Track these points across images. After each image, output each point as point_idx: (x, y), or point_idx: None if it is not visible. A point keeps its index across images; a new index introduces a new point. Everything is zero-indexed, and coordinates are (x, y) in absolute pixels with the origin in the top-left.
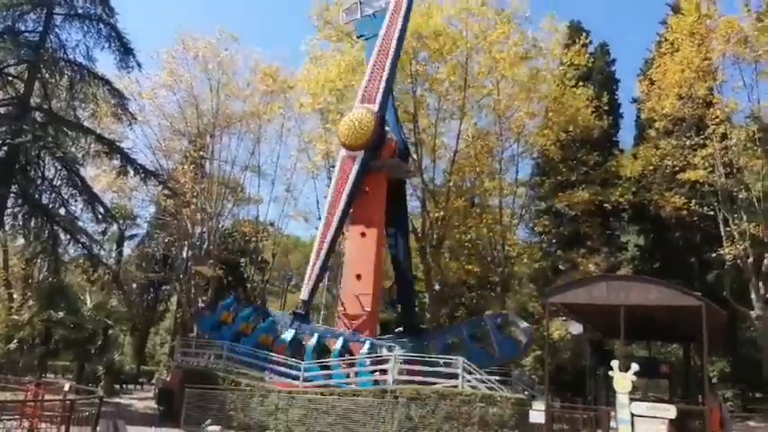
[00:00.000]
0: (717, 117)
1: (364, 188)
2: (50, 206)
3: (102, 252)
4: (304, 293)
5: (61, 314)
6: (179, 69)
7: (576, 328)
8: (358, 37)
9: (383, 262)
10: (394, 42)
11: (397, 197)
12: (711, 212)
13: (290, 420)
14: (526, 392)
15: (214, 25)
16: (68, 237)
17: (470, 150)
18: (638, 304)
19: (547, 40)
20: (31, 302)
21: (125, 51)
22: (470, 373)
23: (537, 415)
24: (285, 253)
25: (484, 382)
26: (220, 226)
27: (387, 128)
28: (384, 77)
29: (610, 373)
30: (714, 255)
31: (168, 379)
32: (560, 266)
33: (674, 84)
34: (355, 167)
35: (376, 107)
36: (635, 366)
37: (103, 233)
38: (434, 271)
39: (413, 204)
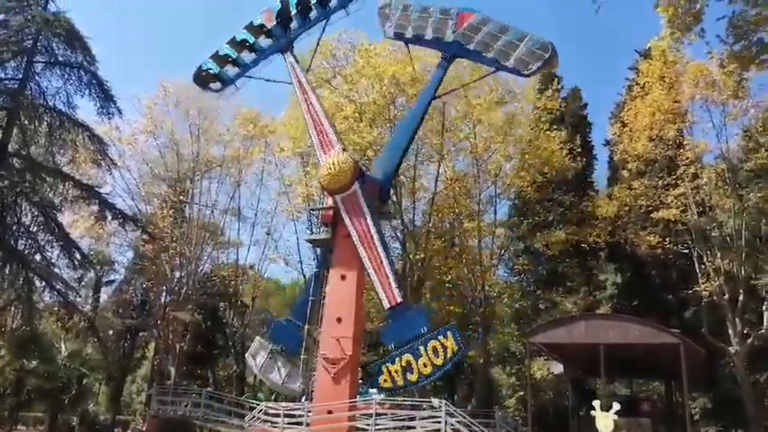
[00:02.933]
0: (687, 158)
1: (345, 232)
2: (26, 252)
3: (78, 299)
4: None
5: (34, 363)
6: (160, 115)
7: (558, 368)
8: None
9: (364, 305)
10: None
11: None
12: (686, 250)
13: None
14: None
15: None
16: (44, 284)
17: (449, 192)
18: (618, 343)
19: (521, 85)
20: (2, 351)
21: (106, 98)
22: (452, 415)
23: None
24: (265, 296)
25: (467, 425)
26: (199, 270)
27: (366, 171)
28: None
29: (592, 412)
30: (691, 292)
31: (144, 428)
32: (540, 306)
33: (646, 126)
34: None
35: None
36: (616, 406)
37: (80, 279)
38: None
39: (393, 246)
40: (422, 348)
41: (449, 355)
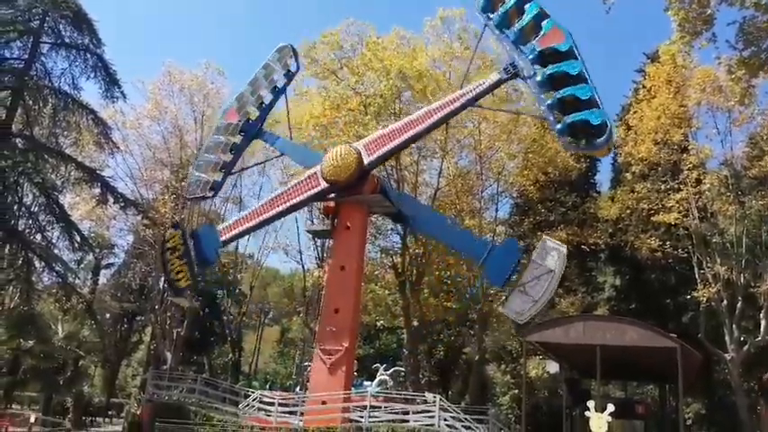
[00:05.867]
0: (691, 163)
1: (346, 223)
2: (26, 232)
3: (77, 281)
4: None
5: (31, 343)
6: (164, 101)
7: (553, 367)
8: None
9: (362, 297)
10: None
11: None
12: (686, 255)
13: None
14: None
15: (202, 59)
16: (43, 264)
17: (451, 188)
18: (615, 345)
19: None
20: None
21: (111, 81)
22: (446, 410)
23: None
24: (263, 285)
25: (461, 420)
26: None
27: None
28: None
29: (586, 413)
30: (689, 297)
31: (138, 412)
32: None
33: (651, 129)
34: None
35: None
36: (611, 407)
37: (79, 262)
38: (413, 307)
39: (393, 240)
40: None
41: None
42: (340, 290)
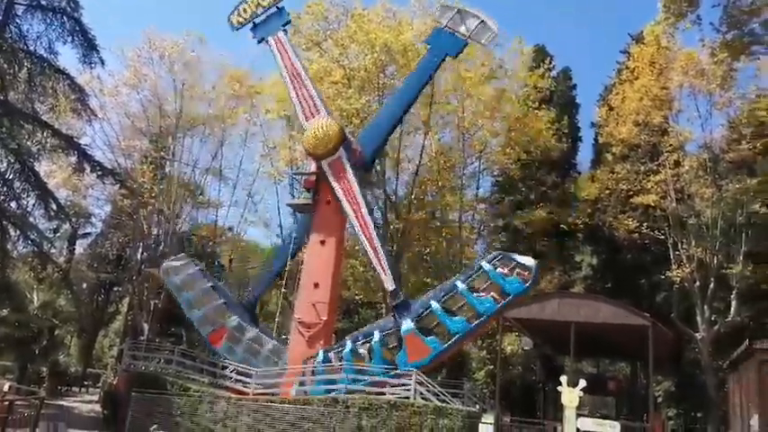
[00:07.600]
0: (671, 145)
1: (326, 198)
2: (1, 199)
3: (53, 250)
4: (389, 284)
5: (5, 312)
6: (144, 68)
7: (528, 343)
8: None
9: (342, 272)
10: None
11: None
12: (662, 236)
13: (238, 428)
14: (477, 406)
15: (183, 26)
16: (18, 232)
17: (433, 165)
18: (589, 321)
19: (512, 61)
20: None
21: (89, 47)
22: (422, 384)
23: (486, 428)
24: (243, 259)
25: (436, 394)
26: (178, 228)
27: (351, 138)
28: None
29: (558, 387)
30: (663, 277)
31: (115, 382)
32: None
33: (632, 111)
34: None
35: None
36: (582, 382)
37: (55, 230)
38: None
39: (374, 216)
40: None
41: None
42: (320, 264)
